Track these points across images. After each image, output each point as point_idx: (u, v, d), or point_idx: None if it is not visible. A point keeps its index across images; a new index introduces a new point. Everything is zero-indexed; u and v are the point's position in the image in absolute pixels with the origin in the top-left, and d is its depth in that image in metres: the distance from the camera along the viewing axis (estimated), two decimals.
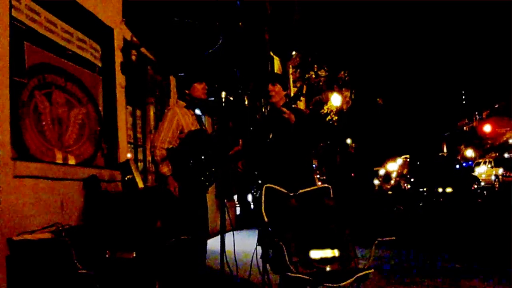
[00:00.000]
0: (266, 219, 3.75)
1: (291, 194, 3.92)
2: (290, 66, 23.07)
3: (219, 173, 4.65)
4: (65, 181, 4.73)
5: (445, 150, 48.65)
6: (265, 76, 13.19)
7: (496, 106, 43.54)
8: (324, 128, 21.83)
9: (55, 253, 3.75)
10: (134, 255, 3.90)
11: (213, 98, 9.31)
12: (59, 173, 4.69)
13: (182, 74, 7.21)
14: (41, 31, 4.72)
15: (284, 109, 4.23)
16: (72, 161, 5.12)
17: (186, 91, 4.72)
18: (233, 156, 4.72)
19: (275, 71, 18.91)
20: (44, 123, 4.70)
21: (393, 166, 31.81)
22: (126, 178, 5.35)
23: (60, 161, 4.90)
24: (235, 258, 4.51)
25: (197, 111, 4.92)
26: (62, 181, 4.67)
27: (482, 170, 29.41)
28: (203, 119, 10.33)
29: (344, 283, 3.18)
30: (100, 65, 5.90)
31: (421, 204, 17.06)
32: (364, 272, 3.27)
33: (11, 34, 4.14)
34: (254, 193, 4.61)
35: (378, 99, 23.81)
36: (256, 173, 4.56)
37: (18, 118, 4.31)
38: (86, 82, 5.56)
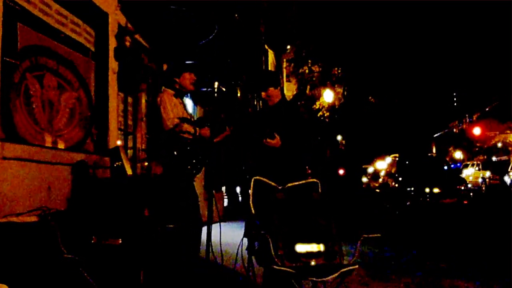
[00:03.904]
0: (253, 211, 3.76)
1: (279, 188, 3.93)
2: (284, 60, 23.05)
3: (208, 161, 4.64)
4: (54, 165, 4.70)
5: (434, 151, 48.91)
6: (258, 77, 13.16)
7: (487, 109, 43.79)
8: (318, 128, 21.92)
9: (41, 237, 3.73)
10: (120, 242, 3.90)
11: (205, 88, 9.28)
12: (48, 156, 4.66)
13: (172, 63, 7.18)
14: (35, 12, 4.67)
15: (269, 140, 4.23)
16: (61, 145, 5.09)
17: (176, 79, 4.70)
18: (221, 142, 4.72)
19: (269, 65, 18.88)
20: (34, 105, 4.66)
21: (382, 165, 31.95)
22: (115, 165, 5.33)
23: (49, 145, 4.87)
24: (221, 249, 4.52)
25: (186, 100, 4.91)
26: (50, 165, 4.65)
27: (469, 172, 29.68)
28: (195, 109, 10.33)
29: (328, 278, 3.20)
30: (93, 50, 5.86)
31: (408, 203, 17.17)
32: (348, 268, 3.29)
33: (4, 14, 4.10)
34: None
35: (370, 97, 23.86)
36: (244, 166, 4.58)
37: (8, 99, 4.27)
38: (79, 66, 5.52)
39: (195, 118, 4.86)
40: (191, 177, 4.57)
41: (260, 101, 12.47)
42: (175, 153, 4.44)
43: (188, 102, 10.03)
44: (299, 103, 21.13)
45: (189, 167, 4.49)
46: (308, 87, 22.54)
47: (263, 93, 4.48)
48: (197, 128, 4.48)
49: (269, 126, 4.37)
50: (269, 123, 4.41)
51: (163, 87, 4.77)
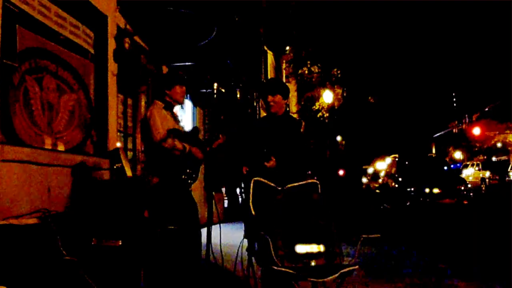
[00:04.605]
0: (253, 212, 3.76)
1: (279, 188, 3.93)
2: (284, 61, 23.05)
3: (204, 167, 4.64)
4: (53, 167, 4.70)
5: (434, 151, 48.94)
6: (261, 80, 13.09)
7: (486, 109, 43.87)
8: (315, 129, 21.91)
9: (41, 239, 3.74)
10: (120, 243, 3.90)
11: (205, 90, 9.29)
12: (48, 159, 4.66)
13: (162, 75, 7.19)
14: (34, 14, 4.68)
15: (265, 164, 4.21)
16: (61, 148, 5.09)
17: (167, 91, 4.65)
18: (216, 150, 4.72)
19: (268, 66, 18.88)
20: (34, 108, 4.67)
21: (382, 165, 31.95)
22: (114, 167, 5.33)
23: (49, 147, 4.87)
24: (221, 250, 4.52)
25: (175, 110, 4.90)
26: (50, 167, 4.65)
27: (469, 173, 29.73)
28: (195, 111, 10.33)
29: (328, 279, 3.20)
30: (92, 51, 5.86)
31: (408, 204, 17.18)
32: (348, 268, 3.29)
33: (3, 16, 4.10)
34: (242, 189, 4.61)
35: (369, 98, 23.89)
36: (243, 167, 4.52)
37: (7, 102, 4.27)
38: (78, 68, 5.52)
39: (193, 122, 4.87)
40: (187, 186, 4.59)
41: (260, 102, 12.46)
42: (168, 164, 4.44)
43: (188, 104, 10.03)
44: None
45: (184, 176, 4.50)
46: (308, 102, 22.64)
47: (270, 97, 4.42)
48: (187, 146, 4.47)
49: (267, 142, 4.32)
50: (267, 139, 4.36)
51: (154, 100, 4.74)
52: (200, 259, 4.62)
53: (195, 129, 4.92)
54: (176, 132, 4.48)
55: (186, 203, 4.53)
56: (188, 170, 4.50)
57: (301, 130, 4.56)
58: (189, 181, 4.54)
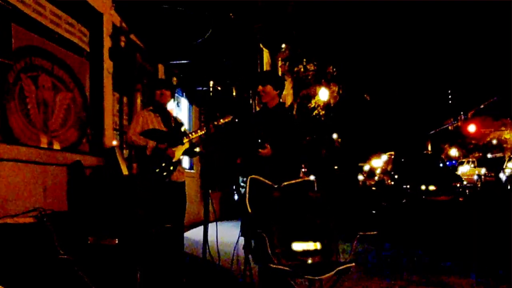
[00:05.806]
0: (249, 210, 3.76)
1: (275, 186, 3.93)
2: (279, 59, 23.03)
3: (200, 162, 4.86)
4: (49, 166, 4.69)
5: (429, 148, 49.02)
6: (256, 73, 13.12)
7: (482, 106, 43.98)
8: (311, 127, 21.94)
9: (37, 238, 3.72)
10: (117, 242, 3.89)
11: (201, 88, 9.29)
12: (43, 157, 4.65)
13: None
14: (29, 12, 4.66)
15: (260, 150, 4.26)
16: (56, 146, 5.08)
17: (153, 97, 5.23)
18: (214, 143, 4.96)
19: (264, 64, 18.87)
20: (29, 106, 4.65)
21: (378, 162, 31.98)
22: (110, 165, 5.34)
23: (44, 146, 4.86)
24: (217, 248, 4.52)
25: (170, 107, 5.37)
26: (46, 166, 4.64)
27: (465, 170, 29.82)
28: (191, 109, 10.32)
29: (324, 276, 3.21)
30: (88, 50, 5.85)
31: (404, 201, 17.21)
32: (345, 266, 3.29)
33: None
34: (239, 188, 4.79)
35: (365, 95, 23.91)
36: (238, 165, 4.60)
37: (3, 100, 4.26)
38: (74, 66, 5.51)
39: (189, 119, 5.06)
40: (163, 178, 4.91)
41: (256, 98, 12.45)
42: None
43: (184, 102, 10.02)
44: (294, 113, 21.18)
45: (158, 170, 4.87)
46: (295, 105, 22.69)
47: (260, 86, 4.47)
48: (150, 141, 4.90)
49: (261, 132, 4.35)
50: (261, 129, 4.39)
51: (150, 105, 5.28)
52: (181, 256, 4.77)
53: (178, 125, 5.30)
54: (149, 132, 4.96)
55: (165, 195, 4.76)
56: (163, 164, 4.88)
57: (293, 112, 4.69)
58: (164, 173, 4.88)
